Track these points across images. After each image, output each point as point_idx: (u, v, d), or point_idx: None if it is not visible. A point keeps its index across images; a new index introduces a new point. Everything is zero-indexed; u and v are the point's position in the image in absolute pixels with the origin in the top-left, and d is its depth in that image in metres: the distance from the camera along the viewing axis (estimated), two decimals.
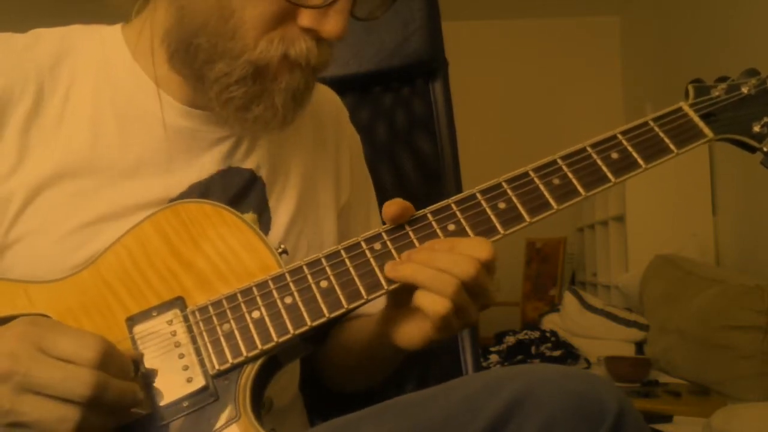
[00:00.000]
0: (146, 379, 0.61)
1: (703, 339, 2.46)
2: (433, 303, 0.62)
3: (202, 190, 0.75)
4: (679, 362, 2.61)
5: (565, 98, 4.72)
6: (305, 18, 0.67)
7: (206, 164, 0.76)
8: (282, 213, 0.80)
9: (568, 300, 3.38)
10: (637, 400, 2.27)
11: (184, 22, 0.68)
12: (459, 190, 1.12)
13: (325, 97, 0.92)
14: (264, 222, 0.79)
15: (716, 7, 3.27)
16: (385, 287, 0.65)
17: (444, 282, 0.62)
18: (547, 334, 3.15)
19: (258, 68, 0.67)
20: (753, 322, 2.28)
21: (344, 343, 0.83)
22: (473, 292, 0.64)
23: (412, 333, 0.68)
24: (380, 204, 0.94)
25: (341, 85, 1.15)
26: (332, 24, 0.67)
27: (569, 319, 3.32)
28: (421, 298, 0.63)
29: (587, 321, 3.22)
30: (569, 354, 3.03)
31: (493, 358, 3.07)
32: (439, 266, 0.62)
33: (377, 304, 0.70)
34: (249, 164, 0.79)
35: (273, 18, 0.66)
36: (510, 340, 3.16)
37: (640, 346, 3.00)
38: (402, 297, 0.67)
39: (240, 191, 0.77)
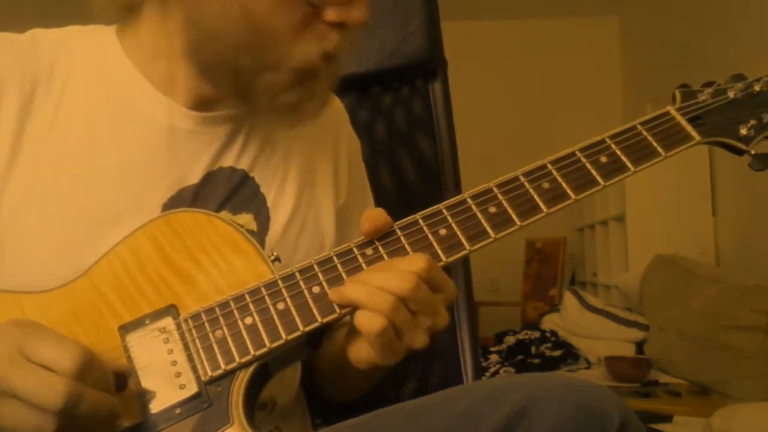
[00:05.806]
0: (138, 386, 0.61)
1: (703, 339, 2.46)
2: (367, 321, 0.61)
3: (192, 194, 0.75)
4: (679, 362, 2.62)
5: (565, 98, 4.72)
6: (331, 13, 0.69)
7: (198, 166, 0.76)
8: (281, 213, 0.80)
9: (568, 300, 3.39)
10: (637, 400, 2.28)
11: (214, 41, 0.70)
12: (458, 189, 1.11)
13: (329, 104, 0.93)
14: (262, 222, 0.79)
15: (716, 7, 3.27)
16: None
17: (379, 298, 0.60)
18: (547, 334, 3.16)
19: (302, 71, 0.70)
20: (753, 322, 2.29)
21: (326, 354, 0.83)
22: (414, 309, 0.62)
23: (359, 351, 0.65)
24: (380, 203, 0.94)
25: (340, 85, 1.15)
26: (358, 12, 0.69)
27: (569, 319, 3.32)
28: (358, 317, 0.62)
29: (587, 321, 3.22)
30: (569, 354, 3.03)
31: (493, 358, 3.07)
32: (375, 284, 0.61)
33: None
34: (241, 164, 0.79)
35: (301, 23, 0.69)
36: (510, 340, 3.17)
37: (640, 346, 3.00)
38: None
39: (232, 191, 0.77)
